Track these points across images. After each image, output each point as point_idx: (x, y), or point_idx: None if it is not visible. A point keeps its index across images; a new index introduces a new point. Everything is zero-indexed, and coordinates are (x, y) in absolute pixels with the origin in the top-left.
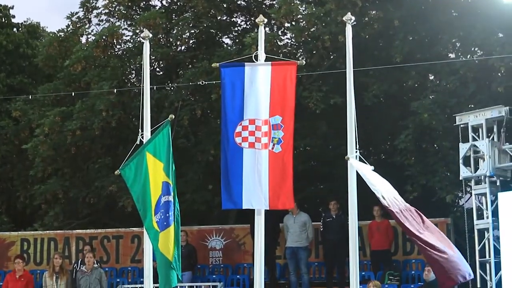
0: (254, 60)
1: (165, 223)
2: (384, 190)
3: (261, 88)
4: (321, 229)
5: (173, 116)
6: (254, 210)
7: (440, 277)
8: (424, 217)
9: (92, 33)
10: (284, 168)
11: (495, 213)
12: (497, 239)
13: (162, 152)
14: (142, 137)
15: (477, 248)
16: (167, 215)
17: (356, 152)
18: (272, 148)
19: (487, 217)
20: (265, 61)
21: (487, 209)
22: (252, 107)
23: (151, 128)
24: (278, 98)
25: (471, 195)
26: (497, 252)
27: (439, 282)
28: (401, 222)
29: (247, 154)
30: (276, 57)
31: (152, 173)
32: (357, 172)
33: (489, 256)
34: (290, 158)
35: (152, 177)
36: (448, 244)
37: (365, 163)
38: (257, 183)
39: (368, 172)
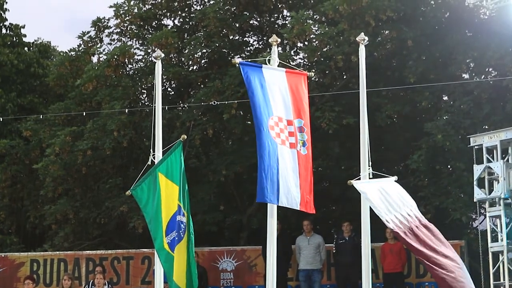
0: (268, 63)
1: (175, 243)
2: (389, 210)
3: (281, 89)
4: (334, 251)
5: (185, 136)
6: (266, 232)
7: None
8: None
9: (104, 53)
10: (310, 172)
11: (509, 236)
12: (511, 262)
13: (176, 174)
14: (154, 158)
15: (491, 271)
16: (177, 233)
17: (369, 169)
18: (300, 150)
19: (502, 240)
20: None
21: (501, 232)
22: (277, 106)
23: (162, 149)
24: (297, 102)
25: (485, 217)
26: (511, 275)
27: None
28: (408, 242)
29: (281, 150)
30: (288, 64)
31: (165, 194)
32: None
33: (504, 279)
34: (311, 163)
35: (164, 198)
36: (458, 265)
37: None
38: (292, 181)
39: (373, 194)
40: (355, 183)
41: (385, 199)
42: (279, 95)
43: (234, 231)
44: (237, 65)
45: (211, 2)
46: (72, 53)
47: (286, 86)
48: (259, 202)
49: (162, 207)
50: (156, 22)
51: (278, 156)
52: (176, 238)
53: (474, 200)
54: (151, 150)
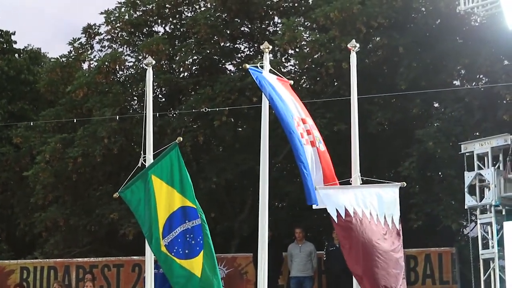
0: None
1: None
2: (348, 201)
3: (286, 91)
4: (324, 259)
5: (181, 139)
6: (257, 238)
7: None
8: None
9: (95, 59)
10: (331, 167)
11: (500, 243)
12: (502, 269)
13: (173, 176)
14: (145, 160)
15: (482, 278)
16: (198, 239)
17: (359, 176)
18: (319, 147)
19: (493, 247)
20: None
21: (492, 239)
22: (292, 106)
23: (153, 152)
24: (299, 103)
25: (476, 224)
26: (502, 282)
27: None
28: (340, 231)
29: (307, 150)
30: (275, 71)
31: (159, 196)
32: None
33: (495, 287)
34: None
35: (160, 200)
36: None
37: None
38: (319, 182)
39: (335, 193)
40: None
41: (353, 195)
42: (287, 96)
43: (225, 238)
44: (246, 69)
45: (202, 9)
46: (63, 59)
47: (286, 90)
48: (310, 205)
49: (158, 209)
50: (147, 28)
51: (306, 155)
52: (200, 242)
53: (465, 207)
54: (142, 152)
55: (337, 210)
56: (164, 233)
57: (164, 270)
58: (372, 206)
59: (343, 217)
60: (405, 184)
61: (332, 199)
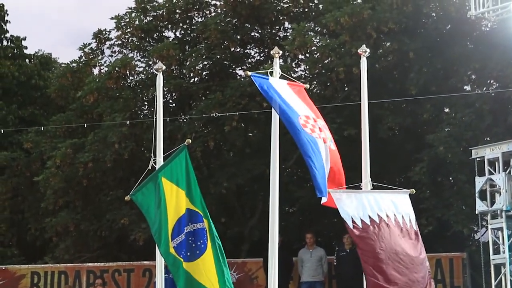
0: (270, 75)
1: (196, 252)
2: (362, 209)
3: (292, 96)
4: (335, 263)
5: (190, 141)
6: (267, 243)
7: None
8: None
9: (105, 65)
10: (341, 166)
11: (511, 248)
12: None
13: (181, 178)
14: (155, 163)
15: (493, 283)
16: (199, 243)
17: (370, 181)
18: (330, 145)
19: (504, 252)
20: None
21: (503, 244)
22: (299, 107)
23: (163, 154)
24: (310, 105)
25: (487, 229)
26: None
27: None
28: (359, 239)
29: (320, 143)
30: (288, 76)
31: (169, 199)
32: None
33: None
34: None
35: (170, 202)
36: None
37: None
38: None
39: (349, 199)
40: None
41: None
42: (294, 99)
43: (235, 243)
44: (248, 76)
45: (213, 14)
46: (74, 65)
47: (295, 94)
48: (320, 197)
49: (168, 211)
50: (157, 34)
51: (320, 149)
52: (196, 246)
53: (476, 212)
54: (152, 155)
55: (352, 219)
56: (173, 235)
57: (172, 273)
58: (388, 208)
59: (360, 227)
60: (414, 192)
61: (346, 207)
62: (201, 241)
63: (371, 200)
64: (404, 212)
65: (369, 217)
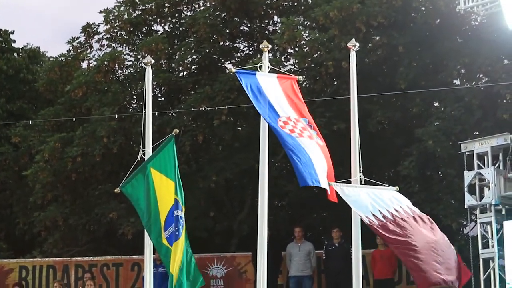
0: (259, 69)
1: (174, 238)
2: (373, 206)
3: (277, 94)
4: (324, 258)
5: (177, 131)
6: (256, 237)
7: (417, 279)
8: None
9: (94, 58)
10: (330, 161)
11: (500, 242)
12: (502, 268)
13: (169, 168)
14: (144, 154)
15: (482, 277)
16: (177, 228)
17: (360, 174)
18: (317, 141)
19: (493, 246)
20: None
21: (492, 238)
22: (281, 108)
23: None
24: (294, 104)
25: (476, 223)
26: (502, 281)
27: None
28: (382, 234)
29: (302, 141)
30: (277, 69)
31: (159, 189)
32: None
33: (494, 286)
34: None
35: (160, 193)
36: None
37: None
38: (322, 168)
39: (353, 193)
40: (334, 185)
41: (370, 197)
42: (277, 98)
43: (224, 237)
44: (233, 73)
45: (202, 8)
46: (62, 58)
47: (281, 90)
48: (303, 186)
49: (159, 202)
50: (146, 28)
51: (301, 145)
52: (176, 233)
53: (465, 207)
54: (141, 146)
55: (367, 217)
56: (165, 226)
57: (165, 263)
58: (393, 202)
59: (376, 223)
60: (398, 189)
61: (356, 203)
62: (177, 228)
63: (371, 195)
64: (407, 203)
65: (387, 211)
